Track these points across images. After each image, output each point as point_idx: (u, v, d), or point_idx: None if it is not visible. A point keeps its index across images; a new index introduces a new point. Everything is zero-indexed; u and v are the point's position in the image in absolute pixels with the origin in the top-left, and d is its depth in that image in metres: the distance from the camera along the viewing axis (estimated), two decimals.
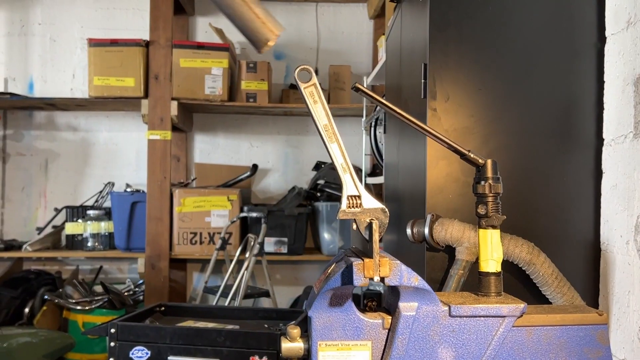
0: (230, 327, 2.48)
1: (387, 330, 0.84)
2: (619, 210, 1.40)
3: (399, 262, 0.79)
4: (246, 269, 3.20)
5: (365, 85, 3.48)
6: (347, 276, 0.80)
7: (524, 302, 0.84)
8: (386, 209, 0.83)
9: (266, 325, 2.55)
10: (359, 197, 0.83)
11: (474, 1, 1.54)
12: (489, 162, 0.89)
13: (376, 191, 4.10)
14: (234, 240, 3.94)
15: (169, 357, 2.32)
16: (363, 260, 0.78)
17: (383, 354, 0.83)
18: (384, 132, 2.39)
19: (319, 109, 0.86)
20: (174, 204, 3.92)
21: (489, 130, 1.53)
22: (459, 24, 1.54)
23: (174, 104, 3.84)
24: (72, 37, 4.36)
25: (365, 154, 3.63)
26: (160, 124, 3.85)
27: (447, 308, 0.83)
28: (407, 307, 0.82)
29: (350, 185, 0.83)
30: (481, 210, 0.89)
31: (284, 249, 4.00)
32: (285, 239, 3.99)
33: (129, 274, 4.32)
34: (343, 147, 0.88)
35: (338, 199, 4.03)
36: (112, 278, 4.28)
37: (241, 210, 3.96)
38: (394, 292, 0.85)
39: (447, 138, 0.90)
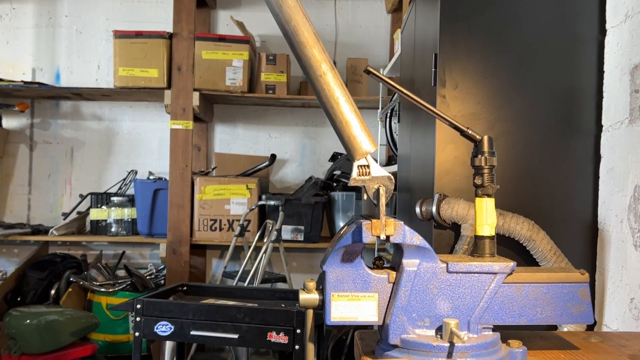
0: (249, 305, 2.60)
1: (391, 284, 0.95)
2: (615, 192, 1.50)
3: (402, 223, 0.90)
4: (264, 253, 3.33)
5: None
6: (357, 235, 0.91)
7: (513, 261, 0.95)
8: (392, 177, 0.94)
9: (283, 305, 2.67)
10: (368, 166, 0.94)
11: None
12: (486, 137, 0.99)
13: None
14: (252, 228, 4.06)
15: (191, 332, 2.45)
16: (371, 220, 0.89)
17: (388, 304, 0.94)
18: (398, 122, 2.50)
19: None
20: (195, 192, 4.05)
21: (494, 116, 1.63)
22: (468, 18, 1.65)
23: (196, 94, 3.96)
24: (98, 29, 4.51)
25: (381, 144, 3.73)
26: (182, 114, 3.98)
27: (445, 265, 0.94)
28: (409, 263, 0.93)
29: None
30: (478, 180, 0.99)
31: (301, 237, 4.12)
32: (302, 227, 4.11)
33: (150, 259, 4.46)
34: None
35: (353, 188, 4.17)
36: (135, 263, 4.42)
37: (259, 199, 4.08)
38: (399, 251, 0.96)
39: (447, 116, 1.01)
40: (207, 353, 4.19)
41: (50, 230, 4.09)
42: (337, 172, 4.28)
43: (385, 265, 0.99)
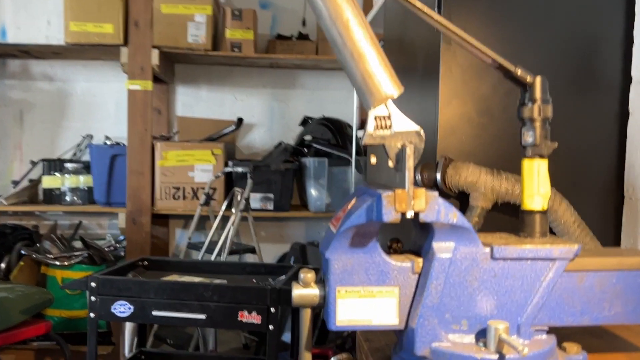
0: (217, 281, 2.36)
1: (417, 275, 0.72)
2: None
3: (436, 193, 0.66)
4: (233, 224, 3.08)
5: None
6: (374, 211, 0.67)
7: (577, 243, 0.73)
8: (421, 131, 0.71)
9: (254, 281, 2.44)
10: (389, 117, 0.70)
11: None
12: (539, 80, 0.76)
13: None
14: (218, 196, 3.81)
15: (153, 312, 2.20)
16: (394, 191, 0.65)
17: (412, 302, 0.71)
18: None
19: None
20: (156, 158, 3.77)
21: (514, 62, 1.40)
22: None
23: (155, 52, 3.65)
24: None
25: (357, 107, 3.48)
26: (140, 73, 3.66)
27: (488, 249, 0.72)
28: (442, 247, 0.70)
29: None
30: (527, 137, 0.77)
31: (270, 206, 3.88)
32: (272, 195, 3.87)
33: (109, 230, 4.17)
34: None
35: (326, 154, 3.93)
36: (92, 234, 4.13)
37: (226, 165, 3.82)
38: (424, 231, 0.73)
39: (489, 50, 0.77)
40: (170, 328, 3.95)
41: None
42: (308, 138, 4.03)
43: (405, 250, 0.76)
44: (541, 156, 0.77)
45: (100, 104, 4.18)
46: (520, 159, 1.43)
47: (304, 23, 4.27)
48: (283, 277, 2.41)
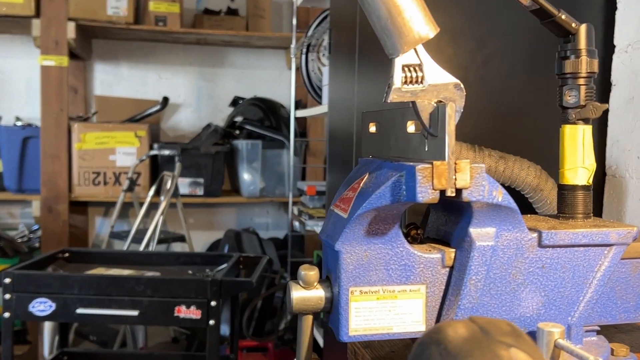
0: (150, 274, 2.15)
1: (447, 270, 0.57)
2: (636, 127, 1.20)
3: (483, 166, 0.52)
4: (163, 211, 2.85)
5: (294, 9, 3.14)
6: (403, 189, 0.52)
7: (634, 225, 0.60)
8: (461, 84, 0.56)
9: (190, 272, 2.25)
10: (420, 66, 0.54)
11: None
12: (584, 27, 0.63)
13: (301, 125, 3.82)
14: (143, 181, 3.56)
15: (77, 310, 1.97)
16: (432, 164, 0.50)
17: (443, 303, 0.57)
18: (330, 53, 2.09)
19: None
20: (73, 140, 3.47)
21: (483, 31, 1.28)
22: None
23: (71, 25, 3.34)
24: None
25: (299, 85, 3.31)
26: (55, 48, 3.35)
27: (536, 235, 0.58)
28: (482, 234, 0.56)
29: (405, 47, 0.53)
30: (570, 97, 0.64)
31: (200, 191, 3.66)
32: (202, 180, 3.65)
33: (21, 219, 3.83)
34: None
35: (259, 136, 3.73)
36: (3, 224, 3.78)
37: (151, 148, 3.57)
38: (453, 213, 0.59)
39: None
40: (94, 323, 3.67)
41: None
42: (239, 119, 3.83)
43: (426, 237, 0.62)
44: (586, 120, 0.64)
45: (10, 82, 3.82)
46: (490, 135, 1.32)
47: None
48: (223, 266, 2.23)
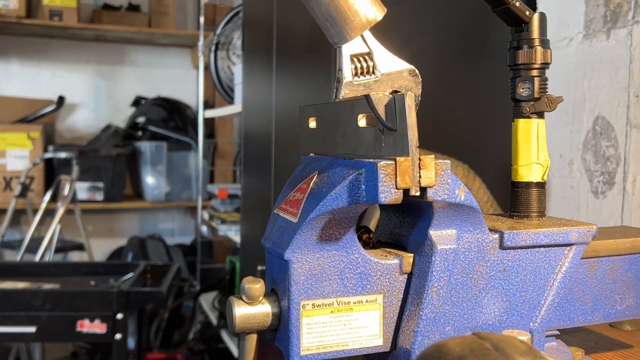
0: (48, 286, 1.99)
1: (405, 276, 0.52)
2: (560, 126, 1.21)
3: (448, 162, 0.47)
4: (60, 219, 2.66)
5: (201, 5, 3.03)
6: (362, 189, 0.47)
7: (593, 224, 0.57)
8: (416, 71, 0.51)
9: (93, 283, 2.10)
10: (370, 55, 0.49)
11: None
12: (537, 16, 0.60)
13: (209, 126, 3.69)
14: (36, 187, 3.33)
15: None
16: (395, 160, 0.45)
17: (402, 313, 0.52)
18: (243, 50, 2.01)
19: None
20: None
21: (410, 29, 1.25)
22: None
23: None
24: None
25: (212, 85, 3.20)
26: None
27: (497, 236, 0.54)
28: (443, 236, 0.51)
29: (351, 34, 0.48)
30: (523, 89, 0.60)
31: (100, 196, 3.46)
32: (101, 184, 3.45)
33: None
34: None
35: (163, 138, 3.58)
36: None
37: (45, 151, 3.34)
38: (410, 214, 0.54)
39: None
40: None
41: None
42: (142, 120, 3.66)
43: (377, 241, 0.56)
44: (540, 114, 0.61)
45: None
46: (430, 133, 1.29)
47: None
48: (129, 276, 2.10)
